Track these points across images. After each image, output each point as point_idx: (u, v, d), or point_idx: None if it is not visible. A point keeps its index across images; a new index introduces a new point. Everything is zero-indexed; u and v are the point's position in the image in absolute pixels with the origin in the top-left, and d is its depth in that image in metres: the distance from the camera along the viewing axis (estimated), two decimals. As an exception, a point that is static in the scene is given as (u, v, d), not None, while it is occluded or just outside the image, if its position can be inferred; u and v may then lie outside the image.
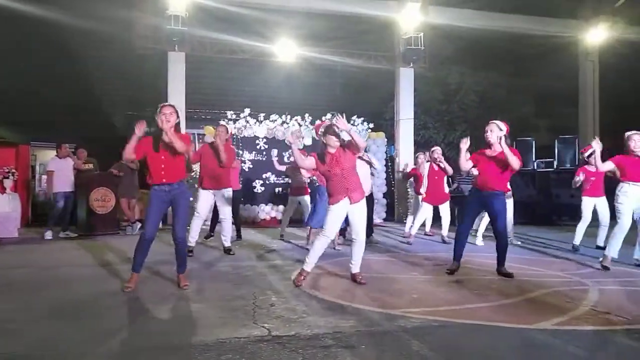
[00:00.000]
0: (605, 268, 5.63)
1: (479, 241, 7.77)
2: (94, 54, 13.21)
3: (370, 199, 8.25)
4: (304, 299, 4.14)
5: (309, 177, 7.79)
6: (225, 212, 6.53)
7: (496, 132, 5.15)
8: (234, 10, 11.14)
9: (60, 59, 12.95)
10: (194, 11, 10.80)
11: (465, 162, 5.23)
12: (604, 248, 7.10)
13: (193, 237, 6.42)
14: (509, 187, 7.95)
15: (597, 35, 13.18)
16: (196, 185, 6.91)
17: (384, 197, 12.33)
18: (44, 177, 11.15)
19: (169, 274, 4.93)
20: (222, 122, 6.90)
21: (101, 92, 14.28)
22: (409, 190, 11.95)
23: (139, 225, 9.08)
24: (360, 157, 5.25)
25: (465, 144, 5.16)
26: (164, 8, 10.36)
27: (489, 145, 5.24)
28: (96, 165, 9.29)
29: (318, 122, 11.39)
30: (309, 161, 4.80)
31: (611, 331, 3.31)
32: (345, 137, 4.72)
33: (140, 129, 4.25)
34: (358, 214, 4.78)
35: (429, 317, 3.59)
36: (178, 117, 4.46)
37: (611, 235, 5.74)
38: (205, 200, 6.41)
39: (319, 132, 4.87)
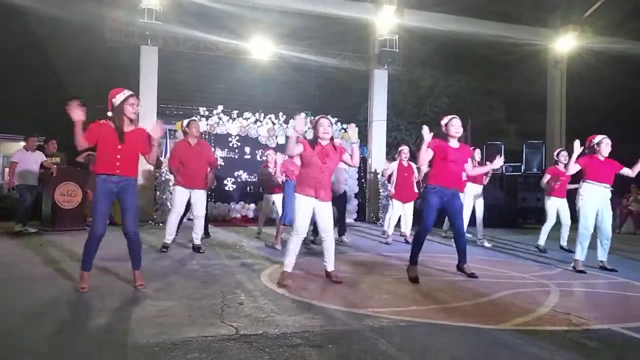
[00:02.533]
0: (581, 272, 5.75)
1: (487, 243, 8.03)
2: (63, 44, 12.91)
3: (343, 197, 8.32)
4: (273, 298, 4.14)
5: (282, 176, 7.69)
6: (200, 210, 6.44)
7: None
8: (209, 6, 11.04)
9: (26, 48, 12.60)
10: (168, 5, 10.67)
11: (426, 152, 5.03)
12: (567, 249, 7.35)
13: (170, 234, 6.36)
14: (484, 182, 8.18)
15: (565, 44, 13.56)
16: (171, 184, 6.80)
17: (355, 197, 12.41)
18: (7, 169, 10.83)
19: (127, 272, 4.83)
20: (194, 118, 6.79)
21: (70, 84, 13.95)
22: (380, 190, 12.07)
23: None
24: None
25: (428, 132, 4.96)
26: (137, 1, 10.20)
27: (446, 139, 5.10)
28: (63, 159, 9.06)
29: (304, 115, 11.44)
30: (298, 148, 4.70)
31: (570, 332, 3.41)
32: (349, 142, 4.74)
33: (76, 113, 3.98)
34: (325, 212, 4.77)
35: (397, 317, 3.64)
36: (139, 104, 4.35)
37: (577, 239, 5.85)
38: (180, 196, 6.31)
39: (312, 125, 4.87)
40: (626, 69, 13.28)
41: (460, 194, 5.41)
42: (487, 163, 6.84)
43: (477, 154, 8.17)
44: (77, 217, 8.78)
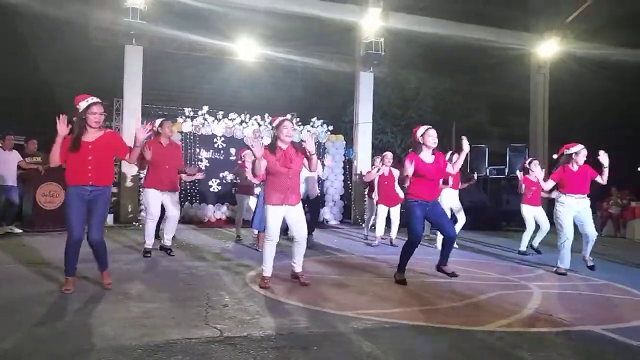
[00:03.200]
0: (562, 274, 5.85)
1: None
2: (47, 43, 12.72)
3: (316, 203, 8.22)
4: (258, 300, 4.13)
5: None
6: (173, 211, 6.28)
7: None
8: (195, 6, 10.96)
9: (9, 45, 12.39)
10: (153, 5, 10.57)
11: (408, 169, 4.99)
12: (536, 250, 7.53)
13: (149, 239, 6.23)
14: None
15: (548, 49, 13.74)
16: (141, 189, 6.62)
17: (341, 199, 12.43)
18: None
19: (121, 274, 4.80)
20: (166, 119, 6.62)
21: (54, 83, 13.75)
22: (365, 191, 12.09)
23: None
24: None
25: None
26: (122, 0, 10.10)
27: (419, 150, 5.07)
28: (45, 159, 8.92)
29: (289, 117, 11.41)
30: (263, 164, 4.62)
31: (552, 333, 3.46)
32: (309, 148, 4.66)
33: (61, 128, 3.92)
34: (296, 215, 4.75)
35: (382, 319, 3.65)
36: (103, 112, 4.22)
37: (559, 248, 5.93)
38: (154, 199, 6.11)
39: (272, 125, 4.81)
40: (607, 74, 13.51)
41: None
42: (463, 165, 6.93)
43: (455, 157, 8.17)
44: (60, 218, 8.62)
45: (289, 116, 11.25)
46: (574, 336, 3.39)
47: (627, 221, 11.63)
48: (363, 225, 10.12)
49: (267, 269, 4.71)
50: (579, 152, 5.88)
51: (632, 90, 14.33)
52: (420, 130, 5.11)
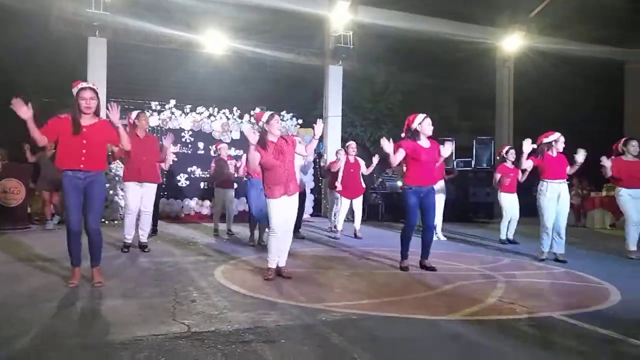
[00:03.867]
0: (542, 260, 6.10)
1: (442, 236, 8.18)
2: (4, 32, 12.25)
3: (303, 195, 8.27)
4: (226, 295, 4.11)
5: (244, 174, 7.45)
6: (147, 206, 6.25)
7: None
8: (161, -3, 10.77)
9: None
10: (117, -5, 10.33)
11: (396, 154, 5.19)
12: (513, 241, 7.69)
13: (129, 233, 6.16)
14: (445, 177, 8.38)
15: (512, 43, 14.03)
16: (117, 179, 6.56)
17: (311, 192, 12.45)
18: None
19: (87, 270, 4.68)
20: (142, 111, 6.59)
21: (12, 75, 13.27)
22: (320, 185, 12.12)
23: (56, 219, 8.59)
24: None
25: (388, 144, 5.14)
26: (85, -10, 9.83)
27: (417, 137, 5.25)
28: (4, 155, 8.65)
29: (258, 110, 11.33)
30: (258, 157, 4.68)
31: (515, 320, 3.56)
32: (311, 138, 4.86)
33: (22, 111, 3.84)
34: (292, 206, 4.81)
35: (350, 310, 3.69)
36: (99, 100, 4.24)
37: (540, 234, 6.14)
38: (133, 192, 6.07)
39: (261, 120, 4.82)
40: (570, 69, 13.91)
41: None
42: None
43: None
44: (21, 216, 8.40)
45: (258, 110, 11.24)
46: (534, 322, 3.50)
47: (587, 211, 12.04)
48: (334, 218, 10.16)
49: (272, 261, 4.80)
50: (558, 139, 6.11)
51: (595, 84, 14.79)
52: (419, 118, 5.29)
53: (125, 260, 5.64)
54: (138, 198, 6.12)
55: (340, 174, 8.23)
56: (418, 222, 5.54)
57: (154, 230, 7.88)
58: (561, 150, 6.12)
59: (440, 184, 8.14)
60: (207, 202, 11.01)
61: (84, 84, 4.19)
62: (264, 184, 4.85)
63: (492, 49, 14.58)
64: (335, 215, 8.64)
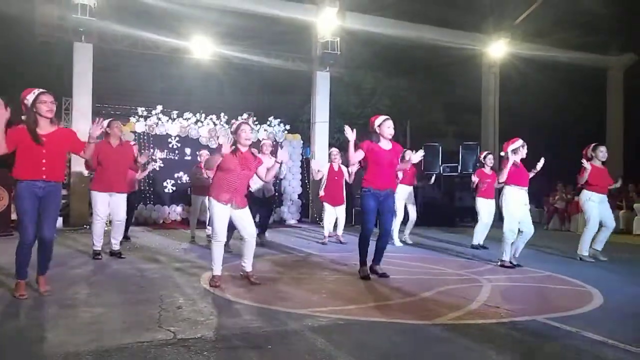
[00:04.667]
0: (510, 267, 6.05)
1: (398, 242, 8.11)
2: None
3: (269, 202, 8.18)
4: (212, 301, 4.10)
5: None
6: (120, 215, 6.15)
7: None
8: (148, 3, 10.75)
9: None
10: (103, 1, 10.29)
11: (355, 153, 5.10)
12: (483, 246, 7.76)
13: (98, 241, 6.09)
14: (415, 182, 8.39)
15: (497, 49, 14.21)
16: (90, 188, 6.43)
17: (298, 198, 12.46)
18: None
19: (69, 278, 4.66)
20: (114, 119, 6.47)
21: (-4, 81, 13.13)
22: (308, 191, 12.13)
23: None
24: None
25: (351, 132, 4.97)
26: (70, -5, 9.78)
27: (377, 139, 5.17)
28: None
29: (246, 116, 11.33)
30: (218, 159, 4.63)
31: (499, 324, 3.60)
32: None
33: (1, 111, 3.72)
34: (245, 218, 4.73)
35: (336, 315, 3.70)
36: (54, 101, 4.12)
37: (503, 239, 6.13)
38: (102, 201, 5.98)
39: (231, 130, 4.80)
40: (553, 74, 14.11)
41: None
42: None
43: (408, 154, 8.27)
44: (4, 222, 8.29)
45: (245, 116, 11.23)
46: (518, 326, 3.54)
47: (571, 215, 12.18)
48: (322, 224, 10.18)
49: (217, 269, 4.70)
50: (521, 146, 6.12)
51: (579, 90, 15.01)
52: (378, 120, 5.20)
53: (108, 268, 5.59)
54: (106, 205, 6.04)
55: (324, 182, 8.25)
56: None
57: (125, 237, 7.77)
58: (524, 156, 6.13)
59: (406, 190, 8.14)
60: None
61: (40, 89, 4.04)
62: (212, 184, 4.74)
63: (478, 55, 14.75)
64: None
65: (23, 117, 4.00)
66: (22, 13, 10.16)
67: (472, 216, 12.82)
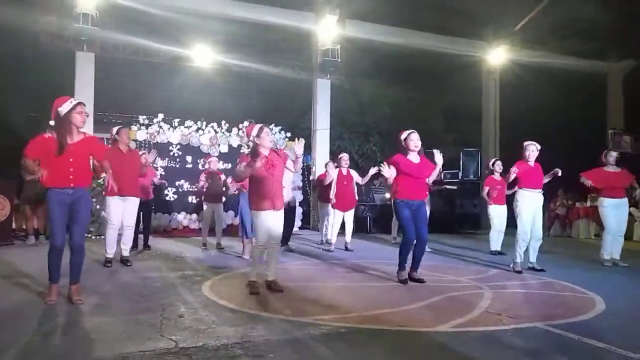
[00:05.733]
0: (519, 272, 6.10)
1: None
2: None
3: (293, 209, 8.30)
4: (214, 310, 4.10)
5: (236, 189, 7.35)
6: (130, 220, 6.27)
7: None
8: (149, 12, 10.79)
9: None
10: (105, 10, 10.34)
11: (390, 171, 5.34)
12: (500, 252, 7.75)
13: (110, 248, 6.14)
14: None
15: (497, 56, 14.26)
16: (103, 193, 6.55)
17: (300, 205, 12.44)
18: None
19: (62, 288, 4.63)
20: (123, 126, 6.58)
21: (-1, 88, 13.18)
22: (309, 197, 12.11)
23: (33, 237, 8.55)
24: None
25: (388, 170, 5.29)
26: (72, 5, 9.82)
27: (406, 152, 5.37)
28: (-10, 170, 8.56)
29: (247, 124, 11.34)
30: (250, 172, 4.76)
31: (501, 331, 3.59)
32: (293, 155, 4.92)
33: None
34: (278, 221, 4.83)
35: (338, 323, 3.69)
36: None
37: (515, 244, 6.20)
38: (115, 207, 6.08)
39: (252, 134, 4.85)
40: (551, 80, 14.13)
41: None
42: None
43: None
44: (5, 231, 8.29)
45: (246, 123, 11.26)
46: (521, 333, 3.53)
47: (572, 221, 12.18)
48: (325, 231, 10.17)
49: (256, 275, 4.81)
50: (526, 146, 6.21)
51: (579, 96, 15.03)
52: (404, 134, 5.42)
53: (111, 276, 5.60)
54: (120, 212, 6.14)
55: (334, 187, 8.25)
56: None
57: (145, 245, 7.86)
58: (532, 159, 6.18)
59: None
60: (195, 216, 10.95)
61: (76, 100, 4.18)
62: (249, 196, 4.87)
63: (478, 61, 14.80)
64: (326, 228, 8.65)
65: (51, 123, 4.12)
66: (24, 22, 10.20)
67: (472, 223, 12.84)
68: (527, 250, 6.26)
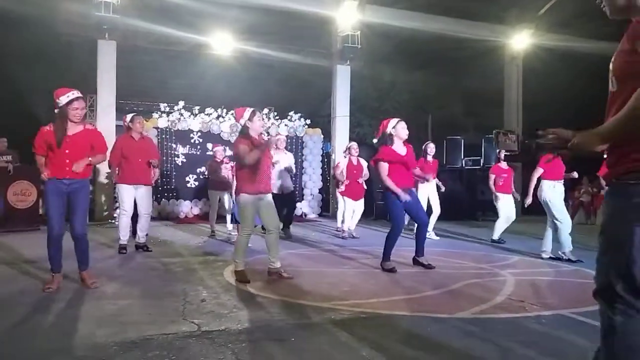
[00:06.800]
0: (575, 261, 5.96)
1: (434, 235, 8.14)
2: (13, 37, 12.36)
3: (292, 196, 8.34)
4: (235, 294, 4.14)
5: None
6: (146, 208, 6.31)
7: None
8: (170, 0, 10.81)
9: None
10: (126, -2, 10.39)
11: (384, 168, 5.27)
12: (498, 241, 7.65)
13: (124, 235, 6.21)
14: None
15: (521, 40, 13.95)
16: (115, 180, 6.57)
17: (319, 192, 12.45)
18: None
19: (95, 271, 4.73)
20: (137, 114, 6.57)
21: (22, 79, 13.40)
22: (329, 185, 12.10)
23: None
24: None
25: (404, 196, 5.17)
26: (92, -7, 9.89)
27: (391, 142, 5.30)
28: (16, 157, 8.74)
29: (266, 111, 11.37)
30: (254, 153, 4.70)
31: (524, 318, 3.55)
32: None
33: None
34: (267, 206, 4.77)
35: (358, 309, 3.70)
36: (85, 106, 4.31)
37: (559, 231, 6.05)
38: (128, 195, 6.11)
39: (244, 117, 4.81)
40: (574, 65, 13.77)
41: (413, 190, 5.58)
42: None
43: (431, 149, 8.20)
44: (32, 217, 8.50)
45: (266, 111, 11.30)
46: (544, 320, 3.49)
47: (597, 209, 11.95)
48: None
49: (241, 263, 4.71)
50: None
51: (604, 81, 14.62)
52: (392, 122, 5.33)
53: (133, 262, 5.70)
54: (132, 198, 6.16)
55: (344, 176, 8.25)
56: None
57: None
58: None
59: (430, 185, 8.04)
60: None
61: (74, 94, 4.17)
62: (237, 182, 4.82)
63: (500, 46, 14.49)
64: (342, 215, 8.68)
65: (56, 111, 4.16)
66: (45, 12, 10.32)
67: (494, 210, 12.67)
68: (553, 239, 6.17)
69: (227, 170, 8.05)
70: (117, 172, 6.22)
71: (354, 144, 8.48)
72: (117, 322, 3.32)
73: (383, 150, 5.28)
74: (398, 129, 5.27)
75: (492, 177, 7.82)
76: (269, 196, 4.82)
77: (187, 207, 10.85)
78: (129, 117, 6.34)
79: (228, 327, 3.21)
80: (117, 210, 9.86)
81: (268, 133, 10.94)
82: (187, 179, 11.05)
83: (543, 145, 2.06)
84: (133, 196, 6.16)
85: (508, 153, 2.22)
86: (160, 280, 4.64)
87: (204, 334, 3.08)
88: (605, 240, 1.91)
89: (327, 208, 12.83)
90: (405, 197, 5.09)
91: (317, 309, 3.69)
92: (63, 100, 4.12)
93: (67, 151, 4.14)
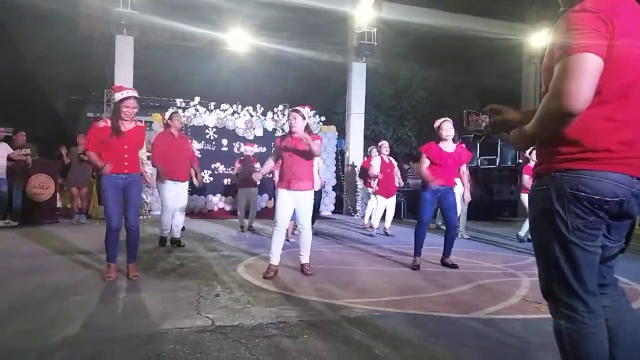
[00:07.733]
0: None
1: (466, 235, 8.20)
2: (32, 32, 12.55)
3: (318, 194, 8.34)
4: (250, 290, 4.15)
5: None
6: (182, 203, 6.41)
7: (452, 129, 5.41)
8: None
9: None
10: (144, -6, 10.48)
11: (425, 163, 5.35)
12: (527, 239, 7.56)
13: (167, 230, 6.33)
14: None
15: (539, 39, 13.77)
16: (154, 178, 6.60)
17: (333, 189, 12.45)
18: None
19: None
20: (176, 111, 6.71)
21: (40, 74, 13.60)
22: (357, 183, 12.13)
23: (84, 215, 8.84)
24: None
25: (434, 182, 5.19)
26: (112, -11, 10.00)
27: (438, 140, 5.39)
28: (34, 151, 8.87)
29: (282, 107, 11.38)
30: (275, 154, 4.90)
31: (539, 319, 3.51)
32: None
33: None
34: (303, 203, 4.79)
35: (372, 307, 3.69)
36: (137, 106, 4.40)
37: None
38: (169, 191, 6.19)
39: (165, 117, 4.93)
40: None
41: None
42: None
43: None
44: (50, 210, 8.63)
45: (281, 107, 11.31)
46: (560, 323, 3.44)
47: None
48: (357, 215, 10.17)
49: (274, 258, 4.76)
50: None
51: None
52: (437, 123, 5.48)
53: (150, 256, 5.74)
54: (173, 195, 6.24)
55: (375, 173, 8.33)
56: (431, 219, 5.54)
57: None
58: None
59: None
60: (230, 198, 11.11)
61: (128, 92, 4.30)
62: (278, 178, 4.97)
63: (518, 45, 14.35)
64: (371, 212, 8.75)
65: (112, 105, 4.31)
66: (65, 7, 10.46)
67: (510, 210, 12.56)
68: None
69: (254, 168, 8.12)
70: (162, 169, 6.20)
71: (385, 143, 8.62)
72: (132, 314, 3.36)
73: (427, 145, 5.45)
74: (440, 128, 5.38)
75: (526, 177, 7.75)
76: (304, 194, 4.78)
77: (203, 202, 10.92)
78: (168, 114, 6.53)
79: (242, 323, 3.22)
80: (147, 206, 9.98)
81: (282, 130, 10.96)
82: (202, 174, 11.10)
83: (485, 130, 2.03)
84: (174, 192, 6.23)
85: (479, 133, 2.18)
86: (176, 275, 4.68)
87: (218, 328, 3.10)
88: (533, 244, 1.90)
89: (341, 205, 12.82)
90: (434, 183, 5.09)
91: (331, 306, 3.69)
92: (117, 97, 4.27)
93: (125, 146, 4.29)
